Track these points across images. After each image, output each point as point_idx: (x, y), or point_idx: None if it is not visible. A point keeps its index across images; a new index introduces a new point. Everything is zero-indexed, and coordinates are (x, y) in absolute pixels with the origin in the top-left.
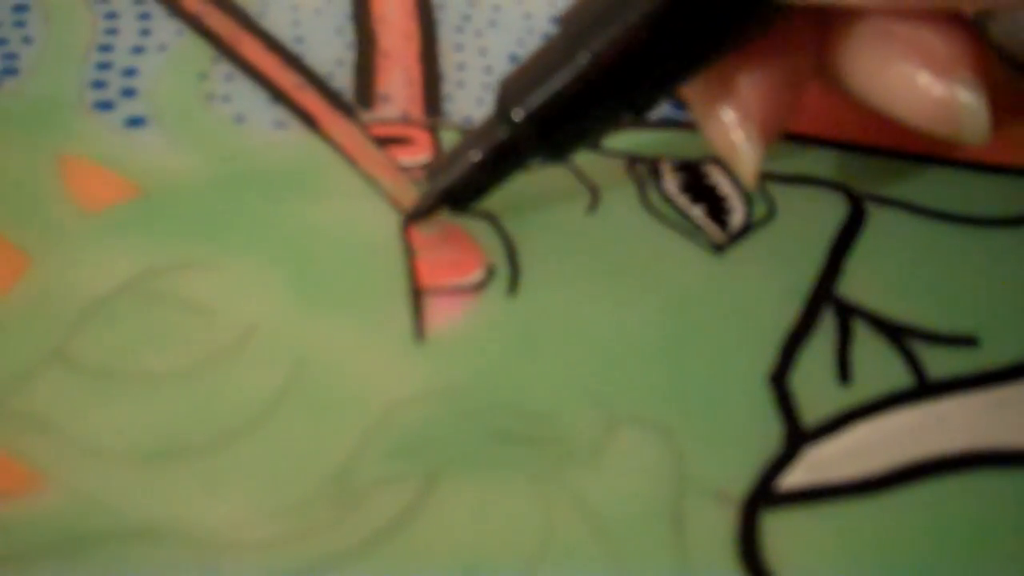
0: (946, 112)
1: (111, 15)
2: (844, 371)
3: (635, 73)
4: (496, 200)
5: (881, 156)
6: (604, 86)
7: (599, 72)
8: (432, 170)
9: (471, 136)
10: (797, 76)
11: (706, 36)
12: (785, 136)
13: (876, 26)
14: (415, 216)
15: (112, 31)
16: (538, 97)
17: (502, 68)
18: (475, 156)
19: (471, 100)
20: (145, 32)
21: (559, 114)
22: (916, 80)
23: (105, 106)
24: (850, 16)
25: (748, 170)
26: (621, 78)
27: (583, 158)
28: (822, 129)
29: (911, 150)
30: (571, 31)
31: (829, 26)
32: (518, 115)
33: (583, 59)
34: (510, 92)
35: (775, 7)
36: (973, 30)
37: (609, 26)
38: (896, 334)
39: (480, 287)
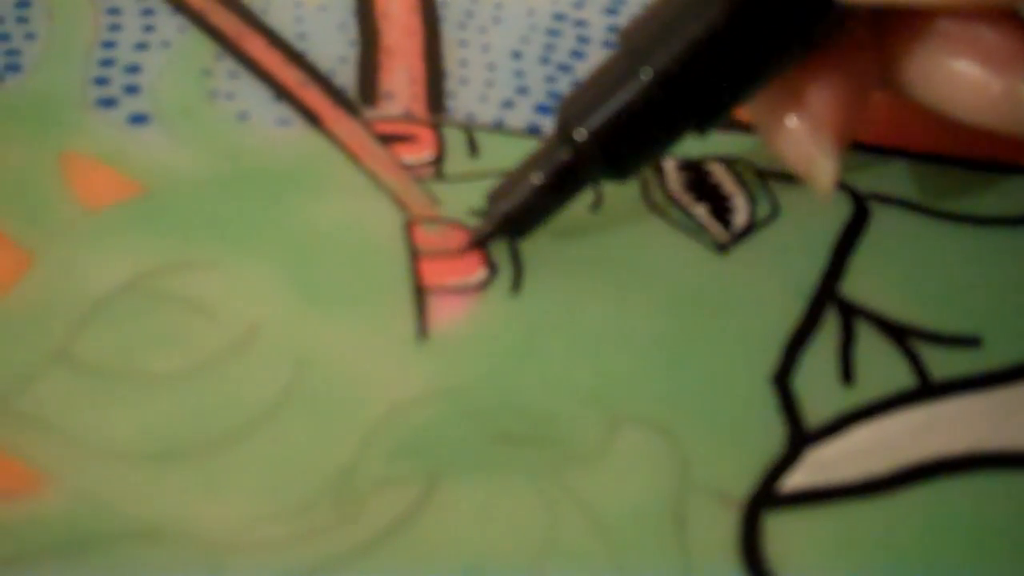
0: (1009, 107)
1: (114, 11)
2: (847, 372)
3: (699, 89)
4: None
5: (883, 155)
6: (668, 103)
7: (662, 89)
8: (494, 195)
9: (532, 159)
10: (862, 84)
11: (770, 48)
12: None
13: (934, 28)
14: (477, 243)
15: (115, 27)
16: (600, 116)
17: (505, 65)
18: (537, 179)
19: (474, 97)
20: (148, 29)
21: (622, 133)
22: (977, 78)
23: (108, 103)
24: (909, 21)
25: (827, 181)
26: (685, 94)
27: None
28: None
29: (972, 156)
30: (632, 47)
31: (888, 33)
32: (581, 135)
33: (645, 76)
34: (571, 112)
35: (837, 13)
36: None
37: (671, 41)
38: (899, 335)
39: (483, 287)
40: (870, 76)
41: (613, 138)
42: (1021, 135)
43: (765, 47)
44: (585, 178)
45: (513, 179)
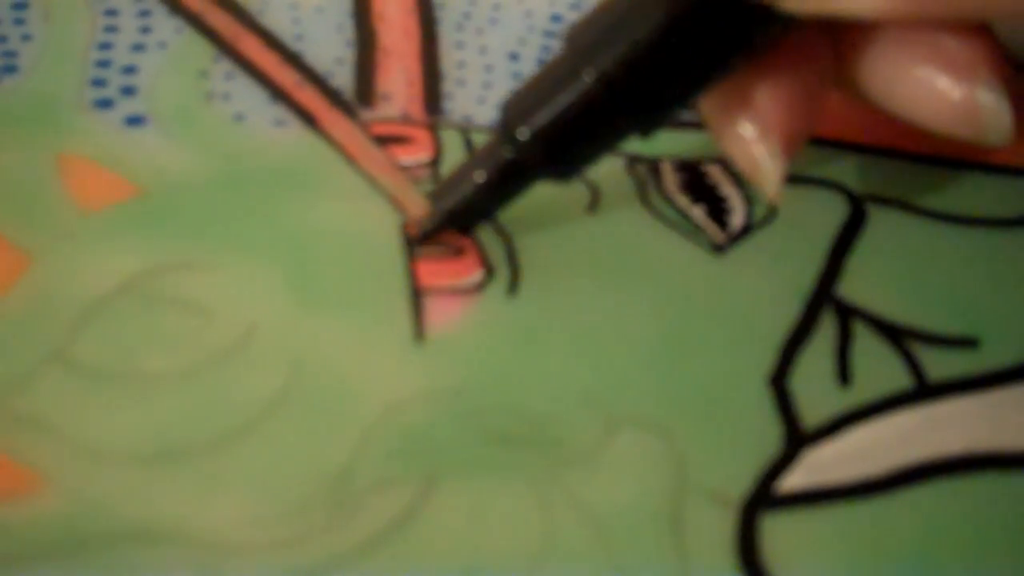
0: (968, 115)
1: (111, 12)
2: (844, 373)
3: (642, 91)
4: None
5: (881, 156)
6: (611, 105)
7: (605, 90)
8: (436, 193)
9: (474, 157)
10: (815, 86)
11: (713, 52)
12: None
13: (892, 33)
14: (420, 239)
15: (112, 29)
16: (543, 116)
17: (503, 66)
18: (479, 177)
19: (471, 99)
20: (145, 30)
21: (565, 133)
22: (936, 84)
23: (105, 104)
24: (865, 25)
25: (772, 186)
26: (628, 96)
27: None
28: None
29: (918, 152)
30: (576, 48)
31: (843, 35)
32: (523, 134)
33: (588, 77)
34: (514, 111)
35: (784, 20)
36: (990, 33)
37: (615, 43)
38: (896, 336)
39: (479, 288)
40: (823, 79)
41: (555, 138)
42: (980, 142)
43: (708, 51)
44: (527, 177)
45: (456, 177)
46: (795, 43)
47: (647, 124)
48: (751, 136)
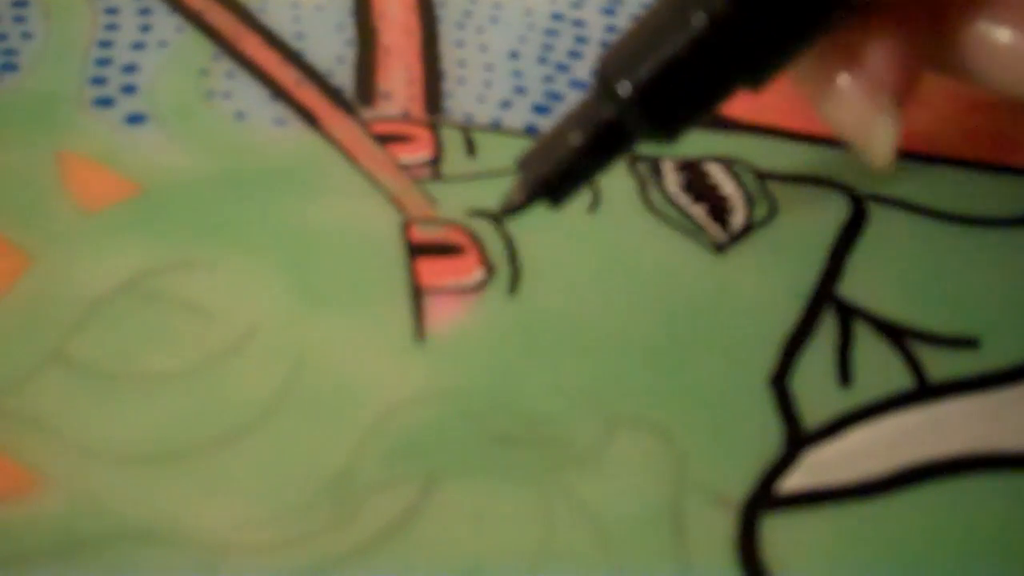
0: None
1: (111, 11)
2: (845, 373)
3: (756, 36)
4: (495, 201)
5: None
6: (722, 51)
7: (717, 36)
8: (525, 158)
9: (568, 117)
10: (918, 48)
11: None
12: (787, 135)
13: (996, 4)
14: (508, 211)
15: (112, 27)
16: (648, 68)
17: (503, 65)
18: (576, 140)
19: (472, 97)
20: (145, 28)
21: (672, 86)
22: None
23: (105, 103)
24: None
25: (886, 146)
26: (740, 42)
27: None
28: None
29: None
30: None
31: (944, 5)
32: (625, 89)
33: (698, 22)
34: (613, 64)
35: None
36: None
37: None
38: (897, 336)
39: (480, 287)
40: (924, 43)
41: (661, 93)
42: None
43: None
44: (630, 137)
45: (548, 141)
46: (896, 8)
47: (761, 73)
48: (859, 94)
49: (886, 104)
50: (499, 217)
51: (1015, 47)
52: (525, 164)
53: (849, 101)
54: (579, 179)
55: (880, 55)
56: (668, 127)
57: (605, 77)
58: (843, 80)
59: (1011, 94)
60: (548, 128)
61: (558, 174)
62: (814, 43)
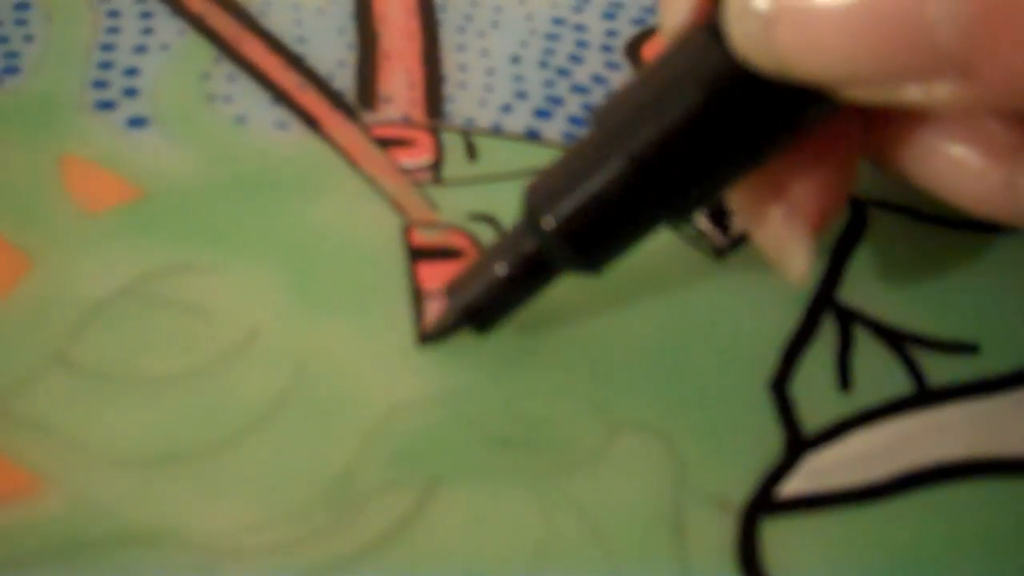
0: (1007, 199)
1: (113, 14)
2: (844, 378)
3: (678, 177)
4: (496, 205)
5: None
6: (644, 192)
7: (638, 176)
8: (453, 285)
9: (495, 247)
10: (847, 163)
11: (755, 136)
12: None
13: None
14: (433, 336)
15: (114, 30)
16: (570, 204)
17: (504, 69)
18: (501, 270)
19: (473, 101)
20: (147, 31)
21: (594, 223)
22: (975, 166)
23: (106, 106)
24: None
25: (801, 267)
26: (662, 183)
27: None
28: None
29: None
30: (605, 129)
31: (880, 112)
32: (548, 224)
33: (620, 161)
34: (538, 197)
35: (833, 105)
36: None
37: (648, 125)
38: (897, 341)
39: None
40: (855, 156)
41: (583, 228)
42: (1017, 224)
43: (748, 135)
44: (552, 270)
45: (475, 269)
46: (823, 139)
47: (681, 212)
48: (780, 222)
49: (803, 232)
50: (424, 339)
51: (957, 164)
52: (453, 290)
53: (771, 227)
54: (504, 308)
55: (802, 186)
56: (592, 261)
57: (531, 209)
58: (767, 208)
59: (956, 207)
60: (478, 255)
61: (483, 303)
62: (734, 184)
